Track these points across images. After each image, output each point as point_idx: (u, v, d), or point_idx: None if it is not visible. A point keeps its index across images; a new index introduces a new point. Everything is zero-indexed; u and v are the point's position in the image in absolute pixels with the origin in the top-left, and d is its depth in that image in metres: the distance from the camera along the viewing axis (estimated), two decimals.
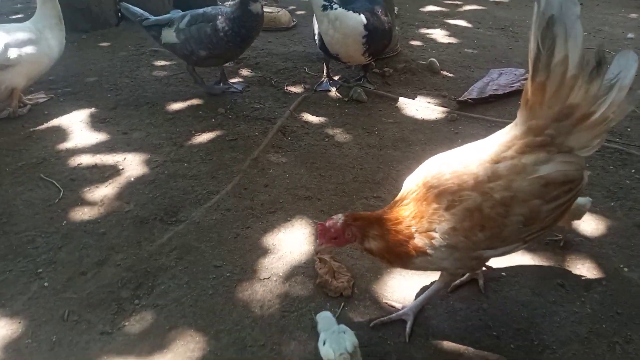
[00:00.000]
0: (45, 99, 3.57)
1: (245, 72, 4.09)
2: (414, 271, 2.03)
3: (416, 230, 1.60)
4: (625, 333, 1.80)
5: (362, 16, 3.23)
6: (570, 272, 2.07)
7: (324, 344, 1.63)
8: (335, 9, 3.23)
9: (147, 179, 2.71)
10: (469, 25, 5.48)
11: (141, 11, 3.55)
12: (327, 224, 1.67)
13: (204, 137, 3.11)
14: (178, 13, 3.48)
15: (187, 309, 1.92)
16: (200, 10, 3.36)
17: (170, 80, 3.94)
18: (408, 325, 1.80)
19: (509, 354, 1.74)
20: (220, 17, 3.26)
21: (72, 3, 4.86)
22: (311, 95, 3.69)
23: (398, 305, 1.91)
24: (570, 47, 1.46)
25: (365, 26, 3.24)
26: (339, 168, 2.82)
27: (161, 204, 2.50)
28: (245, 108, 3.47)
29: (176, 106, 3.50)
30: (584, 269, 2.08)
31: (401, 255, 1.64)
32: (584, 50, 1.48)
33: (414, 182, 1.71)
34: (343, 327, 1.67)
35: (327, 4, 3.24)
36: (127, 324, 1.87)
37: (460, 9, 6.12)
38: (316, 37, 3.57)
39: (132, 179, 2.71)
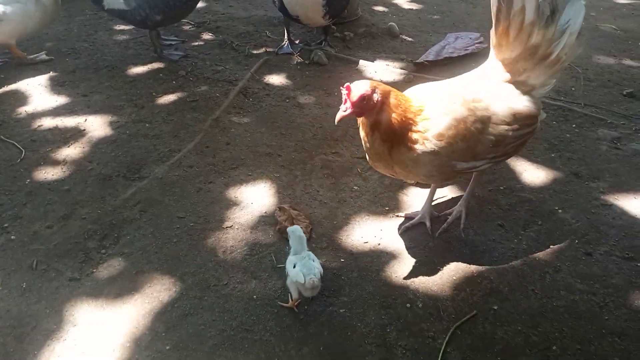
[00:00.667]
0: (47, 59, 3.59)
1: (206, 35, 4.09)
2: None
3: (416, 124, 1.77)
4: (555, 264, 2.00)
5: None
6: (510, 214, 2.26)
7: (294, 266, 1.75)
8: None
9: (108, 139, 2.75)
10: None
11: None
12: (356, 85, 1.70)
13: (165, 99, 3.14)
14: None
15: (153, 255, 2.01)
16: None
17: (129, 43, 3.91)
18: (427, 224, 2.14)
19: (450, 285, 1.91)
20: None
21: None
22: (272, 58, 3.73)
23: (412, 214, 2.21)
24: None
25: None
26: (299, 127, 2.91)
27: (124, 162, 2.55)
28: (207, 70, 3.50)
29: (136, 69, 3.50)
30: (523, 211, 2.27)
31: (398, 137, 1.77)
32: (538, 1, 1.75)
33: (417, 90, 1.95)
34: (312, 255, 1.81)
35: None
36: (94, 270, 1.95)
37: None
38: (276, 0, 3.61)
39: (94, 140, 2.74)
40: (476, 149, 1.82)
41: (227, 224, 2.16)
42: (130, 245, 2.06)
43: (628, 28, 4.56)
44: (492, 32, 1.89)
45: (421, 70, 3.59)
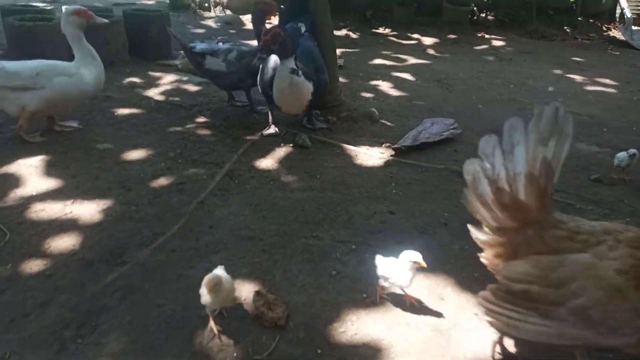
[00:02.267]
0: (78, 127, 3.95)
1: (196, 118, 4.28)
2: (349, 309, 2.22)
3: None
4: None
5: (311, 84, 3.70)
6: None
7: None
8: (300, 76, 3.63)
9: (94, 222, 2.80)
10: (410, 77, 5.94)
11: (184, 39, 4.49)
12: None
13: (152, 181, 3.24)
14: (212, 44, 4.40)
15: (129, 345, 2.01)
16: (245, 48, 4.26)
17: (122, 125, 4.07)
18: None
19: None
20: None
21: (25, 48, 4.97)
22: (259, 140, 3.91)
23: None
24: None
25: (312, 93, 3.72)
26: (281, 210, 3.01)
27: (107, 246, 2.60)
28: (195, 153, 3.64)
29: (126, 151, 3.63)
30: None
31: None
32: None
33: None
34: None
35: (296, 68, 3.62)
36: None
37: (405, 63, 6.61)
38: (260, 82, 3.93)
39: (79, 223, 2.80)
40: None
41: (204, 312, 2.18)
42: (106, 335, 2.06)
43: (593, 114, 4.87)
44: None
45: (399, 154, 3.77)
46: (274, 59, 3.79)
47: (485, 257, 1.99)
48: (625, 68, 6.95)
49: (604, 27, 9.14)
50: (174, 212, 2.91)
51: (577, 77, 6.29)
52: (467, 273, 2.50)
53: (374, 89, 5.37)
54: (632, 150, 3.42)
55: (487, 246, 1.96)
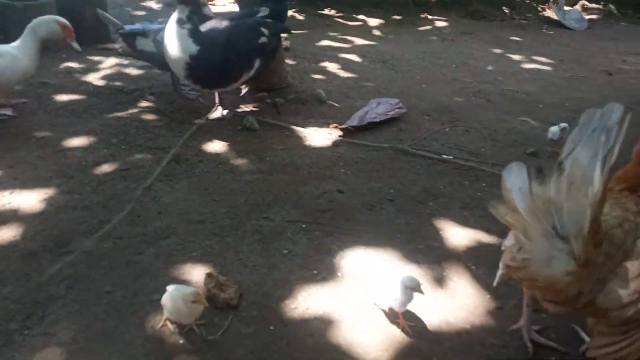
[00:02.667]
0: (12, 115, 3.73)
1: (140, 103, 4.17)
2: (299, 283, 2.27)
3: None
4: (469, 319, 2.16)
5: (195, 47, 3.45)
6: (429, 273, 2.43)
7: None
8: (184, 29, 3.44)
9: (35, 212, 2.71)
10: (357, 59, 5.99)
11: (115, 19, 4.33)
12: None
13: (95, 169, 3.15)
14: (147, 25, 4.18)
15: (79, 334, 1.99)
16: None
17: (60, 111, 3.91)
18: None
19: (375, 348, 2.02)
20: None
21: None
22: (206, 124, 3.86)
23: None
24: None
25: (191, 56, 3.47)
26: (231, 193, 3.01)
27: (50, 236, 2.52)
28: (139, 138, 3.56)
29: (67, 138, 3.49)
30: (440, 269, 2.45)
31: None
32: None
33: None
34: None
35: (185, 20, 3.44)
36: (16, 354, 1.89)
37: (351, 45, 6.65)
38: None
39: (20, 213, 2.69)
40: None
41: (156, 296, 2.17)
42: (54, 325, 2.02)
43: (531, 91, 5.11)
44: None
45: (346, 134, 3.83)
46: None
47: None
48: (559, 47, 7.30)
49: (539, 8, 9.53)
50: (119, 199, 2.85)
51: (515, 56, 6.55)
52: (412, 246, 2.61)
53: (322, 71, 5.39)
54: (563, 124, 3.64)
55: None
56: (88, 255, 2.41)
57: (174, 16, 3.47)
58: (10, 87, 3.63)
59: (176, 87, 4.32)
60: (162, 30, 3.92)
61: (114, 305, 2.14)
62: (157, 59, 4.02)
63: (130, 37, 4.18)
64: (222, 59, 3.57)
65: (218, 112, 3.97)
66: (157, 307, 2.12)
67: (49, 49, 5.10)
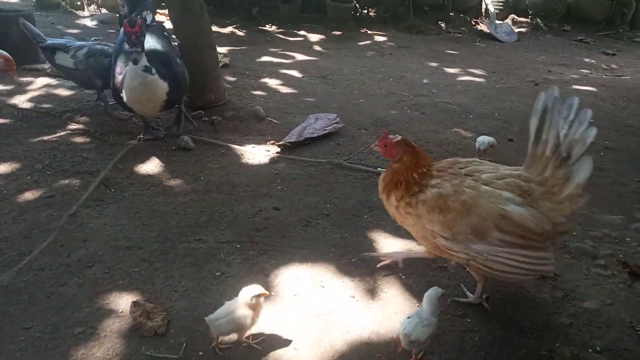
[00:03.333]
0: None
1: (68, 125, 4.01)
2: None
3: (418, 190, 2.13)
4: None
5: (166, 84, 3.48)
6: (361, 286, 2.45)
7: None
8: (154, 74, 3.40)
9: None
10: (297, 74, 6.04)
11: (38, 31, 4.21)
12: (388, 136, 2.19)
13: (17, 197, 3.00)
14: (72, 40, 4.15)
15: None
16: (98, 45, 4.04)
17: None
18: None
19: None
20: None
21: None
22: (138, 145, 3.76)
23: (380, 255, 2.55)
24: (550, 135, 1.98)
25: (167, 92, 3.51)
26: (162, 215, 2.93)
27: None
28: (66, 163, 3.42)
29: None
30: (372, 280, 2.48)
31: (398, 186, 2.16)
32: (559, 140, 1.97)
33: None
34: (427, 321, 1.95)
35: (149, 66, 3.38)
36: None
37: (292, 60, 6.70)
38: (111, 83, 3.63)
39: None
40: (454, 228, 2.04)
41: (78, 329, 2.08)
42: None
43: (462, 103, 5.30)
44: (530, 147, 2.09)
45: (285, 150, 3.84)
46: (122, 57, 3.55)
47: None
48: (491, 59, 7.64)
49: (472, 22, 9.96)
50: (42, 228, 2.72)
51: (450, 69, 6.80)
52: (346, 260, 2.63)
53: (262, 87, 5.40)
54: (492, 139, 3.80)
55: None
56: (5, 290, 2.27)
57: (138, 64, 3.30)
58: None
59: (106, 108, 4.20)
60: (84, 47, 3.98)
61: (31, 342, 2.02)
62: (76, 75, 4.04)
63: (49, 51, 4.10)
64: (182, 78, 3.77)
65: (149, 134, 3.86)
66: (79, 340, 2.03)
67: None
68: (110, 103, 4.33)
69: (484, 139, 3.79)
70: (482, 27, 9.71)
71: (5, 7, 7.42)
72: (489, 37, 9.12)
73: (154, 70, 3.39)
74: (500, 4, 9.83)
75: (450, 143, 4.16)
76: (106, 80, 3.89)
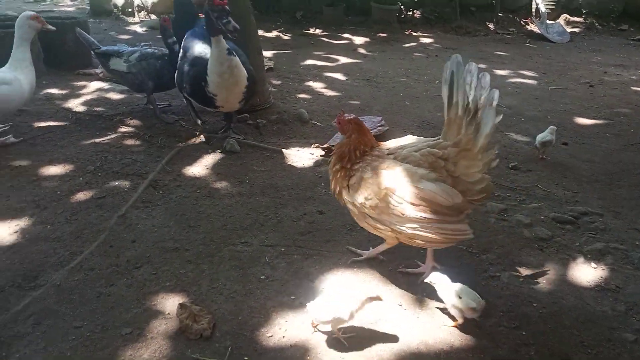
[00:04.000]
0: (16, 141, 3.78)
1: (119, 127, 4.13)
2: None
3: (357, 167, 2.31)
4: (448, 339, 2.10)
5: (245, 71, 3.53)
6: (409, 292, 2.37)
7: (460, 297, 2.09)
8: (236, 56, 3.43)
9: (5, 245, 2.63)
10: (341, 77, 6.00)
11: (92, 39, 4.46)
12: (344, 115, 2.42)
13: (70, 198, 3.09)
14: (124, 47, 4.33)
15: None
16: (149, 49, 4.23)
17: (37, 140, 3.85)
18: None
19: None
20: (165, 57, 4.16)
21: None
22: (185, 148, 3.82)
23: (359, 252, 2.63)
24: (459, 95, 2.11)
25: (247, 78, 3.54)
26: (208, 218, 2.95)
27: (19, 270, 2.45)
28: (116, 165, 3.51)
29: (42, 167, 3.43)
30: (419, 288, 2.39)
31: (343, 160, 2.36)
32: (468, 99, 2.09)
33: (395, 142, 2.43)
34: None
35: (231, 49, 3.40)
36: None
37: (336, 63, 6.67)
38: (186, 77, 3.62)
39: None
40: (376, 209, 2.22)
41: (126, 330, 2.10)
42: None
43: (513, 105, 5.11)
44: (444, 117, 2.21)
45: (328, 154, 3.79)
46: (197, 47, 3.62)
47: None
48: (542, 60, 7.35)
49: (522, 22, 9.63)
50: (93, 228, 2.79)
51: (499, 71, 6.59)
52: (392, 267, 2.55)
53: (306, 90, 5.39)
54: (549, 137, 3.68)
55: None
56: (57, 289, 2.33)
57: (221, 46, 3.32)
58: (18, 107, 3.85)
59: (155, 110, 4.31)
60: (136, 52, 4.16)
61: (81, 341, 2.06)
62: (129, 78, 4.22)
63: (104, 57, 4.30)
64: (252, 75, 3.68)
65: (200, 137, 3.90)
66: (127, 341, 2.05)
67: None
68: (160, 106, 4.44)
69: (544, 135, 3.76)
70: (532, 27, 9.38)
71: (62, 14, 7.78)
72: (539, 37, 8.80)
73: (235, 54, 3.42)
74: (552, 3, 9.46)
75: (501, 146, 4.01)
76: (157, 81, 4.15)
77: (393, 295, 2.35)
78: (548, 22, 9.08)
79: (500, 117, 2.14)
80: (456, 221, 2.21)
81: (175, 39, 4.14)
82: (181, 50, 3.85)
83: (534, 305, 2.31)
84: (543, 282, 2.47)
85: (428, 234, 2.19)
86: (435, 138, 2.30)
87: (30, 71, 3.69)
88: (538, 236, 2.82)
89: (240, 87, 3.53)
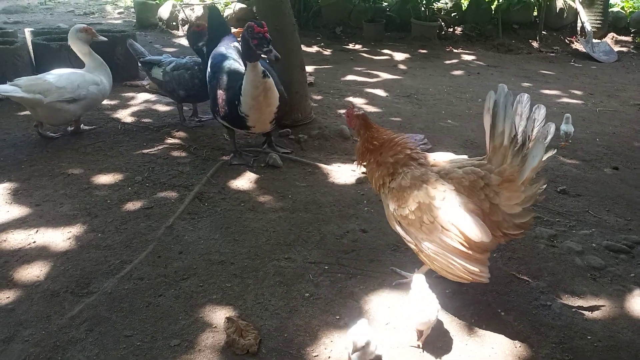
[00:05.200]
0: (92, 128, 4.44)
1: (165, 139, 4.23)
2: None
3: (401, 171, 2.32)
4: None
5: (277, 93, 3.55)
6: (457, 317, 2.32)
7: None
8: (270, 78, 3.46)
9: (59, 251, 2.72)
10: (381, 93, 6.00)
11: (143, 49, 4.73)
12: (354, 109, 2.48)
13: (119, 207, 3.18)
14: (168, 57, 4.56)
15: None
16: (183, 60, 4.39)
17: (87, 149, 3.99)
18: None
19: None
20: (196, 67, 4.28)
21: None
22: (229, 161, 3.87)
23: (404, 274, 2.60)
24: (506, 125, 2.04)
25: (279, 98, 3.57)
26: (252, 232, 2.98)
27: (73, 276, 2.52)
28: (163, 176, 3.59)
29: (93, 176, 3.55)
30: (468, 314, 2.34)
31: (364, 155, 2.45)
32: (516, 130, 2.03)
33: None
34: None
35: (265, 71, 3.42)
36: None
37: (375, 79, 6.68)
38: (222, 104, 3.61)
39: (44, 252, 2.71)
40: (406, 219, 2.22)
41: (174, 341, 2.13)
42: None
43: (559, 126, 4.98)
44: (488, 141, 2.16)
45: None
46: (227, 66, 3.67)
47: None
48: (588, 80, 7.17)
49: (566, 40, 9.44)
50: (141, 238, 2.85)
51: (543, 90, 6.46)
52: (440, 290, 2.51)
53: (346, 106, 5.39)
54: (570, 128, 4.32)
55: None
56: (109, 297, 2.39)
57: (257, 70, 3.35)
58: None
59: (181, 117, 4.60)
60: (172, 62, 4.38)
61: (132, 350, 2.10)
62: (163, 85, 4.46)
63: (147, 66, 4.56)
64: (283, 95, 3.70)
65: (238, 158, 3.88)
66: (175, 352, 2.08)
67: None
68: (204, 119, 4.57)
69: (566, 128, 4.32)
70: (577, 46, 9.18)
71: (111, 28, 8.08)
72: (585, 56, 8.60)
73: (269, 75, 3.45)
74: (598, 21, 9.24)
75: (548, 169, 3.91)
76: (187, 91, 4.33)
77: (444, 320, 2.30)
78: (594, 40, 8.86)
79: (553, 153, 2.10)
80: (477, 259, 2.13)
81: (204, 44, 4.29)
82: (209, 69, 3.87)
83: (588, 337, 2.23)
84: (597, 314, 2.38)
85: (447, 263, 2.14)
86: (480, 158, 2.25)
87: (108, 73, 4.23)
88: (590, 265, 2.73)
89: (272, 107, 3.55)
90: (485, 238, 2.07)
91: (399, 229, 2.33)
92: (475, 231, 2.06)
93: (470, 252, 2.10)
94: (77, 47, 4.15)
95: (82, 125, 4.32)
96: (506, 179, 2.09)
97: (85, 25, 4.19)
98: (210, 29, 4.23)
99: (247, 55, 3.32)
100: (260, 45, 3.20)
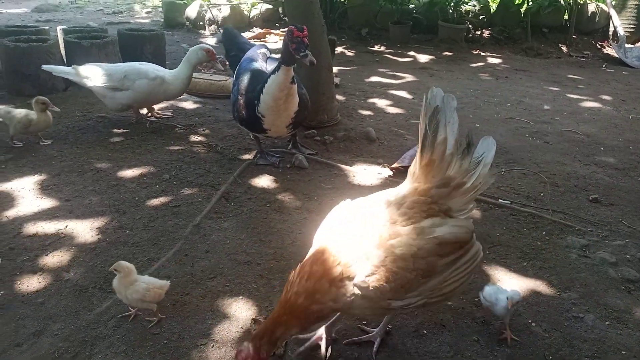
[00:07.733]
0: (169, 116, 4.73)
1: (192, 138, 4.26)
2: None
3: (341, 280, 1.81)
4: None
5: (297, 98, 3.52)
6: (486, 328, 2.27)
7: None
8: (295, 84, 3.44)
9: (88, 246, 2.76)
10: (407, 95, 5.95)
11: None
12: (242, 356, 1.77)
13: (147, 204, 3.20)
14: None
15: None
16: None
17: (116, 146, 4.04)
18: (375, 346, 2.12)
19: None
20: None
21: (20, 70, 4.96)
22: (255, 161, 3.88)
23: (369, 329, 2.22)
24: (448, 131, 1.85)
25: (298, 103, 3.54)
26: (278, 233, 2.97)
27: (101, 272, 2.55)
28: (190, 174, 3.61)
29: (121, 172, 3.59)
30: (498, 325, 2.29)
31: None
32: (459, 134, 1.88)
33: (327, 235, 2.05)
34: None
35: (294, 77, 3.41)
36: None
37: (401, 81, 6.63)
38: (241, 106, 3.59)
39: (73, 248, 2.75)
40: (406, 286, 1.79)
41: (201, 341, 2.13)
42: None
43: (590, 133, 4.87)
44: (417, 158, 1.95)
45: (397, 174, 3.75)
46: (252, 67, 3.68)
47: None
48: (619, 85, 6.99)
49: (598, 45, 9.23)
50: (169, 236, 2.87)
51: (573, 95, 6.31)
52: (469, 297, 2.46)
53: (371, 107, 5.37)
54: None
55: None
56: None
57: (288, 75, 3.34)
58: (156, 102, 4.55)
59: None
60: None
61: (159, 348, 2.10)
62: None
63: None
64: (305, 99, 3.71)
65: (265, 159, 3.88)
66: (202, 353, 2.08)
67: None
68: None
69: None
70: (609, 50, 8.96)
71: (140, 27, 8.20)
72: (616, 61, 8.39)
73: (296, 82, 3.46)
74: (632, 26, 9.01)
75: (580, 177, 3.81)
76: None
77: (469, 330, 2.26)
78: (627, 45, 8.64)
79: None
80: (471, 245, 1.95)
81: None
82: (234, 77, 3.87)
83: (623, 352, 2.16)
84: (632, 328, 2.30)
85: (456, 276, 1.89)
86: (399, 187, 2.01)
87: (183, 84, 4.34)
88: (625, 277, 2.65)
89: (290, 112, 3.53)
90: (470, 225, 1.94)
91: (400, 303, 1.84)
92: (464, 230, 1.90)
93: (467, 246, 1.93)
94: (190, 57, 4.27)
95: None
96: (457, 185, 1.89)
97: (211, 48, 4.32)
98: (228, 50, 4.32)
99: (285, 58, 3.30)
100: (298, 49, 3.17)
